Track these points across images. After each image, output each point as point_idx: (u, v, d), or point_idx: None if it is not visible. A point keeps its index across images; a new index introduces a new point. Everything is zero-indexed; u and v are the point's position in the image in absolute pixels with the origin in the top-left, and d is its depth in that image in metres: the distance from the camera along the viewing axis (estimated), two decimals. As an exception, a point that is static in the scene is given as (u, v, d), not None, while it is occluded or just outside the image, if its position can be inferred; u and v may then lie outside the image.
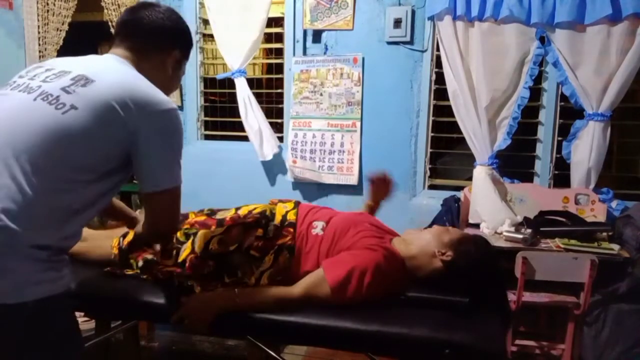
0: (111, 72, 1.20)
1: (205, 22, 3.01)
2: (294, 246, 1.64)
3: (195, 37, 3.05)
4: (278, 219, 1.70)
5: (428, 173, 2.75)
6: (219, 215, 1.70)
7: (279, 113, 3.04)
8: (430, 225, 2.45)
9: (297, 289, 1.53)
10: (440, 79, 2.62)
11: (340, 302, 1.49)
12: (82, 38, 3.85)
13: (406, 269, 1.60)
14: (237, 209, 1.76)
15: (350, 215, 1.78)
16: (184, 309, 1.49)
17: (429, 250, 1.59)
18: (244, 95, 2.85)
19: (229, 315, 1.55)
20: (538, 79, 2.51)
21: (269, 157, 2.88)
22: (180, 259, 1.60)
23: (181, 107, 3.16)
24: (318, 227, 1.68)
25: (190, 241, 1.62)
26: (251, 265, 1.62)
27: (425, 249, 1.60)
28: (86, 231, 1.85)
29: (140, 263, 1.71)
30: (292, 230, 1.67)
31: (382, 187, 1.94)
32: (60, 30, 3.20)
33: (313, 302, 1.50)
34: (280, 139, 3.01)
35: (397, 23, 2.63)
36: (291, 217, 1.71)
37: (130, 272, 1.77)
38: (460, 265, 1.55)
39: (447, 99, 2.59)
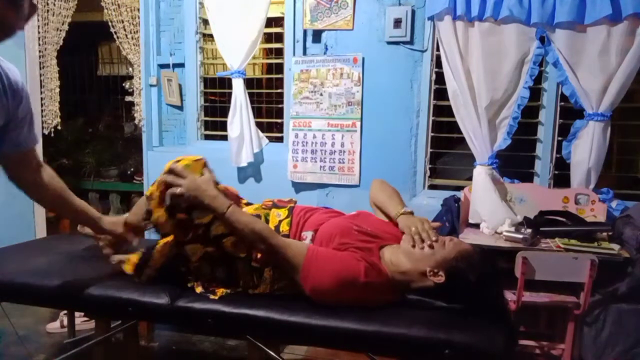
0: None
1: (205, 22, 3.01)
2: None
3: (195, 37, 3.05)
4: (272, 227, 1.69)
5: (428, 173, 2.75)
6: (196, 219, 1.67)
7: (279, 113, 3.04)
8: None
9: (277, 242, 1.53)
10: (440, 79, 2.62)
11: (306, 291, 1.50)
12: (82, 38, 3.86)
13: (393, 282, 1.56)
14: None
15: (338, 221, 1.71)
16: (187, 180, 1.51)
17: (421, 269, 1.51)
18: (239, 98, 2.86)
19: (229, 315, 1.55)
20: (538, 79, 2.51)
21: (243, 164, 2.90)
22: (197, 221, 1.57)
23: (181, 107, 3.17)
24: (307, 238, 1.67)
25: (210, 216, 1.58)
26: (252, 276, 1.64)
27: (417, 266, 1.52)
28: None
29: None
30: None
31: None
32: (60, 30, 3.21)
33: (277, 264, 1.54)
34: (280, 139, 3.02)
35: (397, 23, 2.63)
36: (284, 228, 1.70)
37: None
38: (452, 285, 1.49)
39: (447, 99, 2.59)
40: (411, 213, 1.65)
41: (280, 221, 1.72)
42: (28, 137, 1.42)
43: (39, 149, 3.15)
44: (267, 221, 1.72)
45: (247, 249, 1.63)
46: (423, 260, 1.51)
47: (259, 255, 1.63)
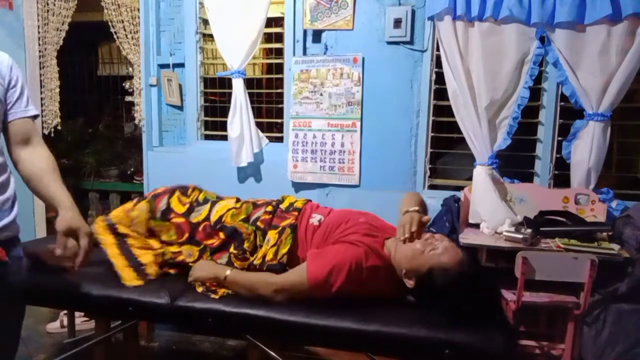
0: None
1: (205, 22, 3.01)
2: (296, 225, 1.74)
3: (195, 37, 3.05)
4: (286, 204, 1.85)
5: (428, 173, 2.75)
6: (192, 218, 1.83)
7: (279, 113, 3.04)
8: (430, 226, 2.47)
9: (278, 278, 1.61)
10: (440, 79, 2.62)
11: (318, 297, 1.54)
12: (82, 38, 3.86)
13: (392, 269, 1.60)
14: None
15: (347, 211, 1.82)
16: (194, 269, 1.73)
17: (401, 267, 1.58)
18: (239, 98, 2.85)
19: (229, 315, 1.55)
20: (538, 79, 2.51)
21: (243, 164, 2.90)
22: (192, 219, 1.81)
23: (181, 107, 3.17)
24: (315, 219, 1.77)
25: (207, 207, 1.84)
26: (256, 236, 1.74)
27: (399, 262, 1.58)
28: None
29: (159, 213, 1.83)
30: (296, 214, 1.78)
31: None
32: (60, 30, 3.21)
33: (291, 296, 1.56)
34: (280, 139, 3.02)
35: (397, 23, 2.63)
36: (299, 204, 1.84)
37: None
38: (423, 292, 1.55)
39: (447, 99, 2.58)
40: (417, 212, 1.67)
41: (296, 201, 1.87)
42: (18, 108, 1.37)
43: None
44: (283, 200, 1.89)
45: (245, 211, 1.81)
46: (403, 260, 1.57)
47: (265, 217, 1.77)
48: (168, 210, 1.83)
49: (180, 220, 1.81)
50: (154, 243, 1.83)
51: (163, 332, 2.67)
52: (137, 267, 1.75)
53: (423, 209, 1.77)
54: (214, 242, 1.77)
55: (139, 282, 1.70)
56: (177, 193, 1.89)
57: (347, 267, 1.52)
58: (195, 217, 1.82)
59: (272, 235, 1.72)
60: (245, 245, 1.74)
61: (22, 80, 1.39)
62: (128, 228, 1.82)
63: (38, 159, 1.40)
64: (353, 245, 1.58)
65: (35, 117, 1.43)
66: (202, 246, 1.78)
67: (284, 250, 1.69)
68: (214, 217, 1.80)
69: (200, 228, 1.78)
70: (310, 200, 1.93)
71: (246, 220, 1.78)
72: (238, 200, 1.91)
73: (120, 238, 1.80)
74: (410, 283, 1.55)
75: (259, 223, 1.77)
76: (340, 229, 1.68)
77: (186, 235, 1.80)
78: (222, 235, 1.76)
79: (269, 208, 1.82)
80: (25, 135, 1.40)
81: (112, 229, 1.81)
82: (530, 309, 2.21)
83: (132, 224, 1.82)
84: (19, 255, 1.31)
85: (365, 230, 1.66)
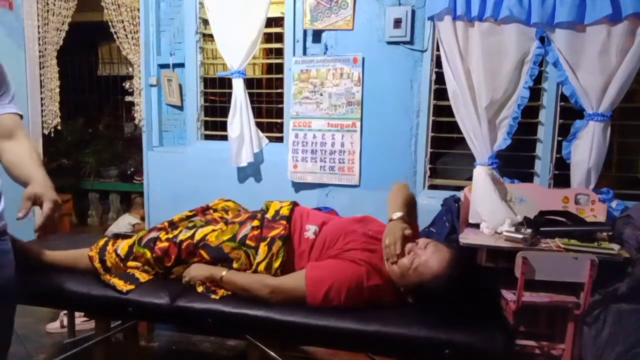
0: None
1: (205, 22, 3.01)
2: (286, 236, 1.69)
3: (195, 37, 3.05)
4: (271, 213, 1.78)
5: (428, 173, 2.75)
6: (178, 238, 1.77)
7: (279, 113, 3.04)
8: (430, 226, 2.47)
9: (275, 281, 1.60)
10: (440, 79, 2.62)
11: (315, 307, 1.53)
12: (82, 38, 3.86)
13: (393, 283, 1.59)
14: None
15: (343, 222, 1.77)
16: (189, 269, 1.71)
17: (398, 284, 1.58)
18: (239, 98, 2.85)
19: (229, 315, 1.55)
20: (538, 79, 2.51)
21: (243, 164, 2.90)
22: (178, 239, 1.74)
23: (181, 107, 3.17)
24: (310, 231, 1.72)
25: (192, 231, 1.76)
26: (248, 255, 1.69)
27: (396, 279, 1.57)
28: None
29: (144, 240, 1.78)
30: (284, 222, 1.72)
31: None
32: (60, 30, 3.21)
33: (287, 299, 1.56)
34: (280, 139, 3.02)
35: (397, 23, 2.63)
36: (284, 212, 1.77)
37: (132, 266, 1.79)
38: (424, 301, 1.54)
39: (447, 99, 2.58)
40: (400, 219, 1.62)
41: (281, 207, 1.80)
42: (3, 102, 1.36)
43: (38, 149, 3.18)
44: (267, 208, 1.82)
45: (231, 231, 1.73)
46: (397, 279, 1.56)
47: (253, 234, 1.69)
48: (154, 239, 1.78)
49: (166, 244, 1.75)
50: (136, 264, 1.81)
51: (163, 332, 2.67)
52: (126, 276, 1.75)
53: (409, 209, 1.72)
54: (197, 260, 1.72)
55: (130, 287, 1.69)
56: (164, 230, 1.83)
57: (346, 286, 1.52)
58: (180, 236, 1.76)
59: (262, 248, 1.67)
60: (236, 265, 1.68)
61: (10, 80, 1.39)
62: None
63: (20, 149, 1.38)
64: (354, 264, 1.56)
65: (19, 116, 1.42)
66: (188, 264, 1.75)
67: (276, 264, 1.65)
68: (198, 236, 1.74)
69: (184, 246, 1.73)
70: (297, 204, 1.87)
71: (232, 239, 1.71)
72: (226, 222, 1.84)
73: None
74: (409, 298, 1.57)
75: (248, 241, 1.69)
76: (339, 244, 1.65)
77: (173, 257, 1.74)
78: (204, 254, 1.71)
79: (255, 222, 1.73)
80: (10, 129, 1.39)
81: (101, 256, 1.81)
82: (530, 309, 2.21)
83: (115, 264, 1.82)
84: (7, 249, 1.29)
85: (364, 244, 1.63)
